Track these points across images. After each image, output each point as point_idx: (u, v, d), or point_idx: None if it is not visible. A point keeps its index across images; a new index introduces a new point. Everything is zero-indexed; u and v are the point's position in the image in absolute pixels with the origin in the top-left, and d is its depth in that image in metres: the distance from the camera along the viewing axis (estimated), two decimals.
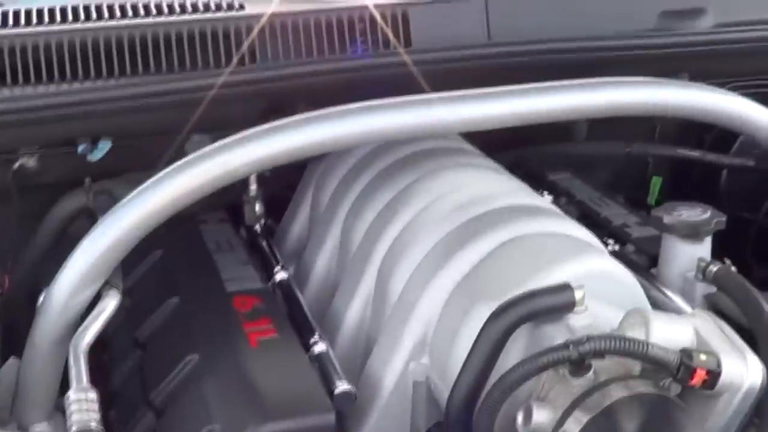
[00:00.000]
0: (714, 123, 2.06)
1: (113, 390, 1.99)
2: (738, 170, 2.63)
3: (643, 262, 2.11)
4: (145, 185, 1.73)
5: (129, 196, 1.73)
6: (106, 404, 1.82)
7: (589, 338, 1.45)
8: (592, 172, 2.65)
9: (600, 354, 1.45)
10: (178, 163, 1.73)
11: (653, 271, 2.04)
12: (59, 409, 1.74)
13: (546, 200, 2.10)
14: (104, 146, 2.20)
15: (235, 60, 2.17)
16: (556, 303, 1.57)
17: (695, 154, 2.63)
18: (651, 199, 2.73)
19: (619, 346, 1.44)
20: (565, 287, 1.58)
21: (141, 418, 1.85)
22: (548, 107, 1.87)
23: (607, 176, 2.71)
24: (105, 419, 1.64)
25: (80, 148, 2.19)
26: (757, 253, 2.50)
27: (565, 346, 1.45)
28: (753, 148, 2.53)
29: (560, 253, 1.72)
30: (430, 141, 2.22)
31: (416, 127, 1.83)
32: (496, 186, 2.02)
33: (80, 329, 1.75)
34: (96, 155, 2.20)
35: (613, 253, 2.01)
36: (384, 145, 2.23)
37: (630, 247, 2.18)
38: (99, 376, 1.77)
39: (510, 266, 1.72)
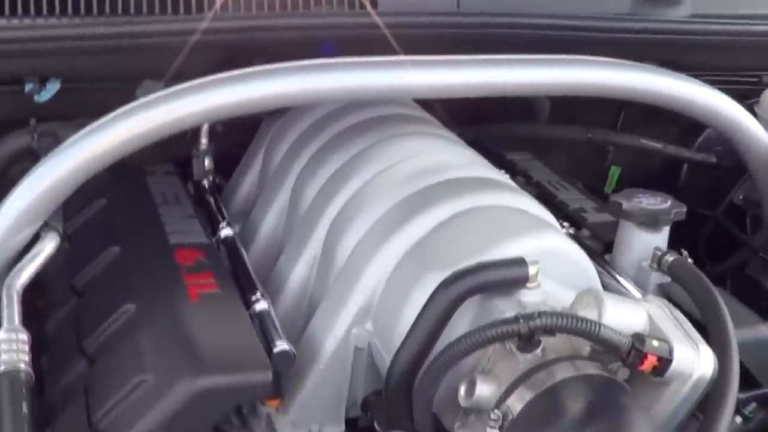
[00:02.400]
0: (682, 112, 2.02)
1: (46, 336, 1.93)
2: (699, 166, 2.60)
3: (598, 247, 2.08)
4: (90, 127, 1.68)
5: (73, 137, 1.69)
6: (38, 350, 1.77)
7: (540, 314, 1.41)
8: (552, 156, 2.62)
9: (551, 331, 1.41)
10: (125, 107, 1.67)
11: (607, 257, 2.00)
12: None
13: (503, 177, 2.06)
14: (52, 87, 2.14)
15: (193, 7, 2.11)
16: (509, 277, 1.54)
17: (657, 145, 2.61)
18: (608, 188, 2.70)
19: (570, 324, 1.40)
20: (520, 261, 1.54)
21: (73, 365, 1.78)
22: (511, 80, 1.82)
23: (566, 162, 2.68)
24: (36, 364, 1.59)
25: (27, 88, 2.12)
26: (710, 250, 2.47)
27: (516, 319, 1.41)
28: (716, 144, 2.51)
29: (516, 228, 1.68)
30: (389, 107, 2.17)
31: (371, 89, 1.78)
32: (453, 157, 1.98)
33: (15, 269, 1.71)
34: (43, 96, 2.14)
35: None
36: (340, 109, 2.18)
37: (585, 232, 2.15)
38: (33, 322, 1.71)
39: (464, 237, 1.68)
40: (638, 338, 1.42)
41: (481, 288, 1.53)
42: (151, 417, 1.53)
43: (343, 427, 1.76)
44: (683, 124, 2.64)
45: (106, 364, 1.71)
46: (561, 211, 2.20)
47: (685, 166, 2.64)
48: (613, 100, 2.43)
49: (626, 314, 1.48)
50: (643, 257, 1.91)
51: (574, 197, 2.29)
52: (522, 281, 1.53)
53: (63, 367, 1.80)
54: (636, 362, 1.42)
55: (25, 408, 1.47)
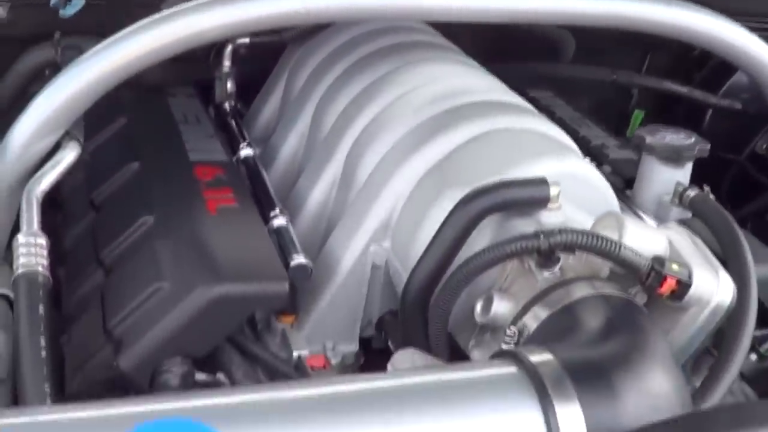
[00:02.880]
0: (712, 51, 1.99)
1: (64, 250, 1.93)
2: (723, 112, 2.59)
3: (619, 183, 2.06)
4: (111, 39, 1.69)
5: (95, 48, 1.69)
6: (56, 262, 1.77)
7: (561, 230, 1.40)
8: (575, 98, 2.60)
9: (570, 248, 1.40)
10: (146, 19, 1.68)
11: (628, 193, 1.99)
12: (7, 261, 1.67)
13: None
14: (78, 2, 2.12)
15: None
16: (530, 196, 1.53)
17: (683, 89, 2.59)
18: (630, 132, 2.68)
19: (591, 242, 1.39)
20: (542, 181, 1.53)
21: (90, 276, 1.78)
22: (531, 6, 1.80)
23: (589, 103, 2.66)
24: (53, 275, 1.58)
25: (53, 1, 2.10)
26: (731, 196, 2.45)
27: (536, 235, 1.40)
28: (742, 91, 2.49)
29: (538, 150, 1.68)
30: (411, 34, 2.16)
31: (390, 8, 1.76)
32: (475, 81, 1.97)
33: (36, 176, 1.71)
34: (69, 11, 2.12)
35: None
36: (362, 35, 2.18)
37: (606, 168, 2.13)
38: (52, 236, 1.71)
39: (485, 157, 1.67)
40: (658, 261, 1.41)
41: (501, 206, 1.52)
42: (166, 323, 1.54)
43: (357, 345, 1.76)
44: (708, 71, 2.62)
45: (122, 273, 1.72)
46: (583, 147, 2.17)
47: (710, 112, 2.62)
48: (639, 44, 2.42)
49: (647, 238, 1.46)
50: (664, 192, 1.90)
51: (596, 134, 2.28)
52: (543, 201, 1.52)
53: (80, 277, 1.80)
54: (655, 285, 1.40)
55: (41, 309, 1.46)
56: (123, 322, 1.59)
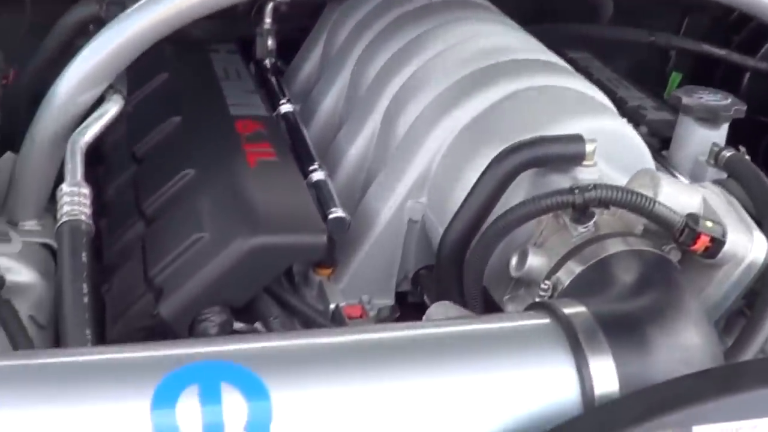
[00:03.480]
0: (748, 12, 2.00)
1: (106, 201, 1.97)
2: (760, 76, 2.59)
3: (655, 144, 2.07)
4: None
5: (138, 4, 1.74)
6: (98, 214, 1.81)
7: (596, 185, 1.42)
8: (613, 58, 2.60)
9: (605, 203, 1.42)
10: None
11: (664, 153, 2.00)
12: (50, 212, 1.72)
13: None
14: None
15: None
16: (566, 152, 1.54)
17: (721, 52, 2.59)
18: (668, 94, 2.68)
19: (625, 198, 1.40)
20: (577, 138, 1.54)
21: (131, 226, 1.82)
22: None
23: (627, 65, 2.66)
24: (95, 227, 1.62)
25: None
26: None
27: (571, 190, 1.42)
28: None
29: (575, 108, 1.70)
30: None
31: None
32: (514, 40, 1.99)
33: (80, 127, 1.75)
34: None
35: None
36: None
37: (643, 129, 2.14)
38: (94, 188, 1.75)
39: (522, 114, 1.69)
40: (692, 218, 1.42)
41: (537, 162, 1.54)
42: (206, 273, 1.58)
43: (393, 299, 1.79)
44: (746, 34, 2.62)
45: (163, 224, 1.75)
46: (620, 108, 2.19)
47: (747, 75, 2.62)
48: (677, 7, 2.42)
49: (682, 195, 1.48)
50: (700, 153, 1.91)
51: (634, 95, 2.29)
52: (578, 158, 1.54)
53: (121, 228, 1.84)
54: (688, 241, 1.41)
55: (84, 257, 1.49)
56: (164, 271, 1.62)
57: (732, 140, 1.95)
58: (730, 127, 1.96)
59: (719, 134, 1.93)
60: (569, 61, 2.41)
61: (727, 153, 1.84)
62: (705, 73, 2.66)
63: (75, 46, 2.22)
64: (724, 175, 1.86)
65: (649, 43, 2.63)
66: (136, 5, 1.74)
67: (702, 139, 1.92)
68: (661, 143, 2.07)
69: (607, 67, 2.48)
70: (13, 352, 1.49)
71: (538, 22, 2.53)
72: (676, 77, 2.69)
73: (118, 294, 1.70)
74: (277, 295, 1.64)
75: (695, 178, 1.89)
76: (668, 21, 2.70)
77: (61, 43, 2.21)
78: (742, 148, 1.90)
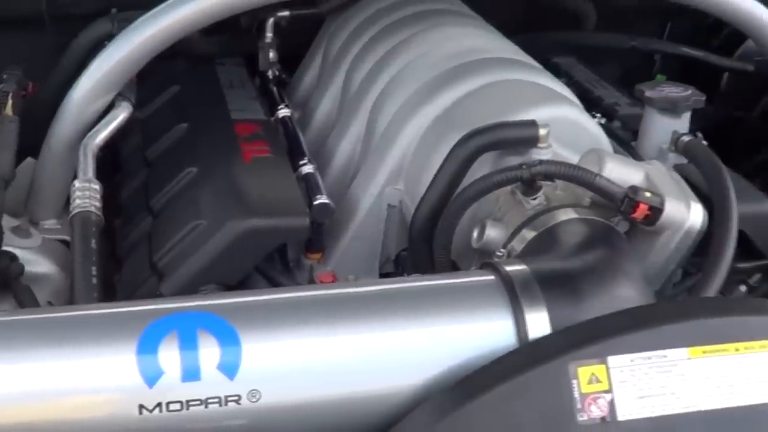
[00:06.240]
0: (720, 18, 2.16)
1: (121, 203, 2.15)
2: (738, 74, 2.73)
3: (628, 137, 2.21)
4: (162, 6, 1.90)
5: (142, 18, 1.93)
6: (114, 215, 1.99)
7: (541, 161, 1.58)
8: (602, 66, 2.74)
9: (550, 177, 1.58)
10: None
11: (633, 144, 2.14)
12: (68, 212, 1.87)
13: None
14: None
15: None
16: (521, 135, 1.69)
17: (698, 53, 2.73)
18: None
19: (568, 171, 1.56)
20: (531, 123, 1.70)
21: (140, 222, 2.01)
22: None
23: (614, 70, 2.80)
24: (110, 226, 1.78)
25: None
26: (745, 150, 2.59)
27: (519, 166, 1.58)
28: (755, 54, 2.62)
29: (534, 98, 1.84)
30: (435, 3, 2.35)
31: None
32: (486, 42, 2.15)
33: (91, 132, 1.93)
34: None
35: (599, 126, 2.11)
36: (391, 5, 2.37)
37: (617, 123, 2.29)
38: (111, 195, 1.92)
39: (486, 105, 1.84)
40: (633, 189, 1.57)
41: (495, 145, 1.69)
42: (202, 254, 1.75)
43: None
44: (724, 37, 2.77)
45: (167, 216, 1.93)
46: (597, 105, 2.35)
47: (726, 74, 2.76)
48: (659, 13, 2.57)
49: (625, 171, 1.62)
50: (663, 141, 2.03)
51: (610, 94, 2.43)
52: (533, 141, 1.69)
53: (132, 224, 2.02)
54: (629, 210, 1.56)
55: (93, 243, 1.66)
56: (166, 256, 1.80)
57: (711, 135, 2.08)
58: (710, 123, 2.10)
59: (681, 123, 2.05)
60: (553, 65, 2.58)
61: (685, 138, 1.98)
62: (688, 74, 2.79)
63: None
64: (686, 161, 2.00)
65: (631, 47, 2.77)
66: (139, 20, 1.92)
67: (665, 128, 2.04)
68: (633, 135, 2.21)
69: (590, 70, 2.62)
70: (15, 310, 1.66)
71: (525, 31, 2.69)
72: (660, 79, 2.83)
73: (127, 281, 1.88)
74: (267, 274, 1.80)
75: None
76: (652, 26, 2.84)
77: (77, 59, 2.40)
78: (699, 134, 2.04)
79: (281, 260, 1.90)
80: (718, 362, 1.24)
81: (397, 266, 1.93)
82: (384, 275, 1.95)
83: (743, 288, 1.93)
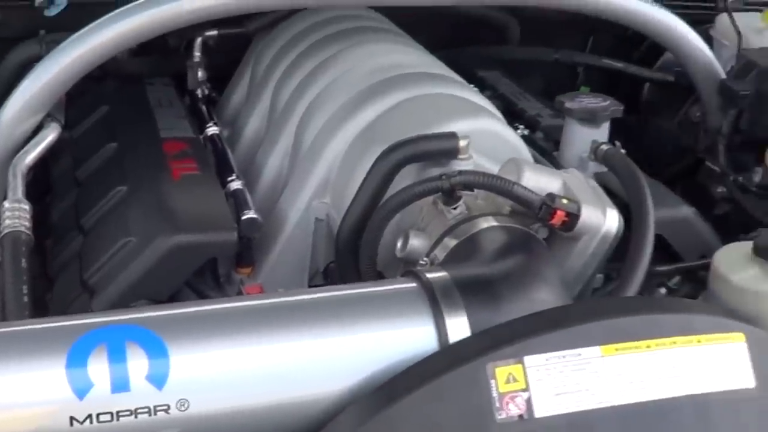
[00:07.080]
0: (641, 32, 2.23)
1: (52, 223, 2.17)
2: (659, 85, 2.79)
3: (550, 147, 2.27)
4: (88, 27, 1.92)
5: (68, 39, 1.95)
6: (44, 236, 2.01)
7: (460, 172, 1.63)
8: (528, 79, 2.80)
9: (469, 186, 1.63)
10: (113, 12, 1.93)
11: (555, 154, 2.20)
12: None
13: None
14: (61, 3, 2.35)
15: None
16: (442, 147, 1.74)
17: (619, 65, 2.80)
18: None
19: (486, 181, 1.61)
20: (451, 135, 1.74)
21: (71, 241, 2.03)
22: None
23: (538, 83, 2.85)
24: (40, 246, 1.79)
25: (38, 1, 2.33)
26: (667, 158, 2.65)
27: (439, 177, 1.63)
28: (674, 65, 2.69)
29: (454, 110, 1.89)
30: (360, 21, 2.39)
31: None
32: (408, 58, 2.19)
33: (20, 153, 1.94)
34: (52, 11, 2.35)
35: (523, 137, 2.15)
36: (317, 23, 2.41)
37: (539, 134, 2.35)
38: (41, 216, 1.93)
39: (408, 118, 1.88)
40: (550, 197, 1.62)
41: (416, 157, 1.73)
42: (132, 270, 1.78)
43: None
44: (645, 49, 2.84)
45: (97, 234, 1.95)
46: (520, 117, 2.41)
47: (647, 85, 2.83)
48: (581, 28, 2.63)
49: (543, 179, 1.67)
50: (583, 150, 2.10)
51: (533, 106, 2.49)
52: (453, 152, 1.73)
53: (63, 243, 2.04)
54: (546, 217, 1.60)
55: (24, 263, 1.67)
56: (96, 273, 1.82)
57: (634, 145, 2.15)
58: (634, 133, 2.16)
59: (600, 133, 2.12)
60: (479, 79, 2.64)
61: (604, 147, 2.04)
62: (611, 86, 2.86)
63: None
64: (605, 169, 2.06)
65: (554, 60, 2.84)
66: (66, 41, 1.94)
67: (584, 137, 2.11)
68: (555, 145, 2.26)
69: (515, 84, 2.68)
70: None
71: (452, 47, 2.75)
72: (584, 90, 2.89)
73: (58, 299, 1.90)
74: (197, 289, 1.83)
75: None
76: (575, 40, 2.90)
77: (6, 81, 2.41)
78: (618, 143, 2.10)
79: (212, 275, 1.93)
80: (630, 359, 1.28)
81: (326, 278, 1.97)
82: (313, 288, 1.98)
83: (663, 290, 1.98)
